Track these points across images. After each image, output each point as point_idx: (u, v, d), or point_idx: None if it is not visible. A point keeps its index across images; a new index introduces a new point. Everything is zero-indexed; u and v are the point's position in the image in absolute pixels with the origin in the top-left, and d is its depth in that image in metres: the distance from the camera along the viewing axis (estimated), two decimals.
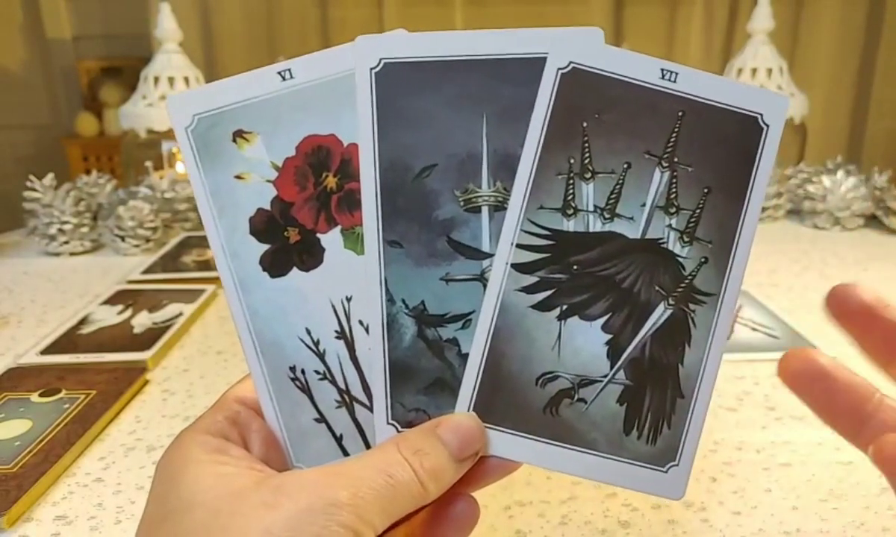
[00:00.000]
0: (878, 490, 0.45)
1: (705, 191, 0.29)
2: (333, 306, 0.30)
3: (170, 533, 0.24)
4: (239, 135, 0.29)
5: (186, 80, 1.17)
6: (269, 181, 0.30)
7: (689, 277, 0.29)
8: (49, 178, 0.99)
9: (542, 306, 0.29)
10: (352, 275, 0.30)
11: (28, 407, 0.55)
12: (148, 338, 0.67)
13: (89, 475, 0.48)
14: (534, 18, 2.07)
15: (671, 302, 0.29)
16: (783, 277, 0.85)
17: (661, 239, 0.29)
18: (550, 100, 0.28)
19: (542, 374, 0.29)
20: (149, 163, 1.14)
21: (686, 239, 0.29)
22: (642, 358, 0.29)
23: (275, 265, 0.30)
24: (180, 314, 0.73)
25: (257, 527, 0.23)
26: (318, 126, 0.29)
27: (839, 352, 0.64)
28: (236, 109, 0.29)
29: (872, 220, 1.06)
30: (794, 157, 1.29)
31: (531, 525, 0.43)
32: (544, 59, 0.28)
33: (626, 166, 0.29)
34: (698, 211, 0.29)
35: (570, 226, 0.29)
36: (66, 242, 0.96)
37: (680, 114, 0.28)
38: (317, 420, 0.30)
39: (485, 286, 0.29)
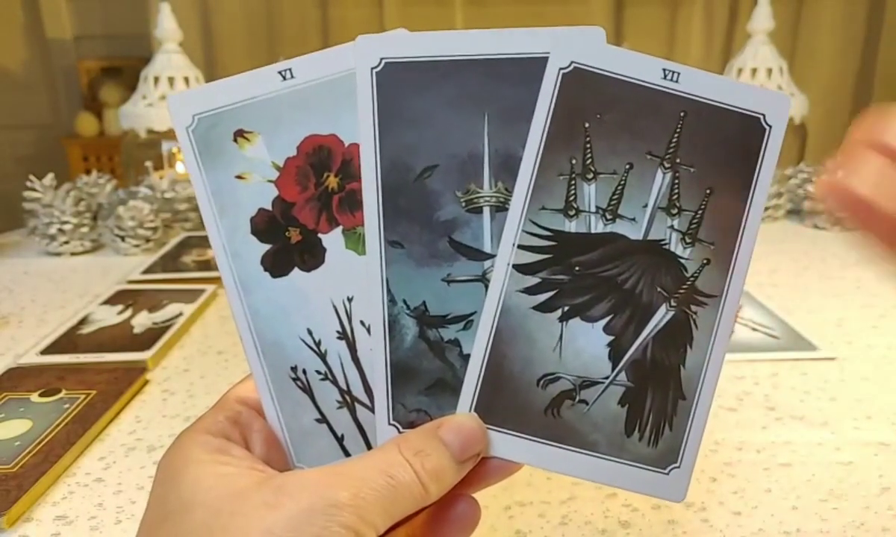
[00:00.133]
0: (878, 490, 0.45)
1: (707, 192, 0.29)
2: (335, 306, 0.30)
3: (171, 533, 0.24)
4: (240, 134, 0.29)
5: (186, 80, 1.17)
6: (270, 181, 0.30)
7: (692, 279, 0.29)
8: (49, 178, 0.99)
9: (543, 307, 0.29)
10: (353, 275, 0.30)
11: (28, 408, 0.55)
12: (148, 338, 0.67)
13: (89, 475, 0.48)
14: (534, 18, 2.08)
15: (673, 303, 0.29)
16: (783, 277, 0.85)
17: (664, 240, 0.29)
18: (552, 100, 0.28)
19: (543, 375, 0.29)
20: (149, 163, 1.14)
21: (688, 240, 0.29)
22: (644, 359, 0.29)
23: (276, 265, 0.30)
24: (180, 314, 0.73)
25: (258, 527, 0.23)
26: (319, 126, 0.29)
27: (839, 352, 0.64)
28: (237, 109, 0.29)
29: None
30: (794, 157, 1.29)
31: (531, 525, 0.43)
32: (546, 58, 0.28)
33: (628, 167, 0.29)
34: (700, 212, 0.29)
35: (571, 226, 0.29)
36: (66, 242, 0.96)
37: (682, 114, 0.28)
38: (318, 420, 0.30)
39: (486, 287, 0.29)
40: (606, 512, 0.43)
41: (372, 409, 0.30)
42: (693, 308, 0.29)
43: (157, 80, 1.16)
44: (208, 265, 0.90)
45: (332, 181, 0.30)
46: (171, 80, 1.16)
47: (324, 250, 0.30)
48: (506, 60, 0.28)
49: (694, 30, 2.10)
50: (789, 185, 1.12)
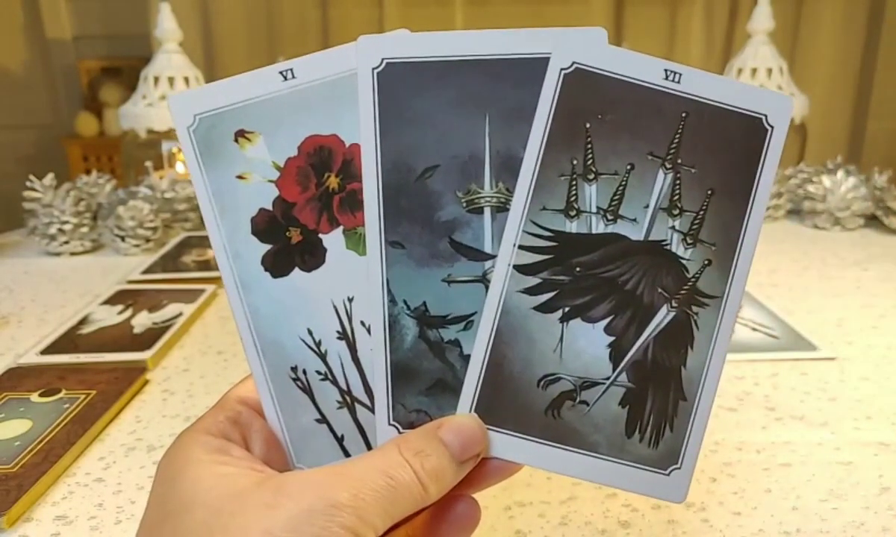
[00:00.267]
0: (878, 490, 0.45)
1: (709, 192, 0.29)
2: (335, 307, 0.30)
3: (170, 533, 0.24)
4: (241, 134, 0.29)
5: (186, 80, 1.17)
6: (270, 181, 0.30)
7: (693, 280, 0.29)
8: (49, 178, 0.99)
9: (544, 308, 0.29)
10: (354, 275, 0.30)
11: (28, 407, 0.55)
12: (148, 338, 0.67)
13: (89, 475, 0.48)
14: (534, 18, 2.08)
15: (674, 304, 0.29)
16: (783, 277, 0.85)
17: (665, 241, 0.29)
18: (553, 100, 0.28)
19: (543, 376, 0.29)
20: (149, 163, 1.14)
21: (689, 241, 0.29)
22: (645, 360, 0.29)
23: (276, 265, 0.30)
24: (180, 314, 0.73)
25: (258, 528, 0.23)
26: (320, 126, 0.29)
27: (839, 352, 0.64)
28: (238, 109, 0.29)
29: (872, 220, 1.06)
30: (794, 157, 1.29)
31: (531, 525, 0.43)
32: (547, 59, 0.28)
33: (629, 167, 0.28)
34: (702, 213, 0.29)
35: (572, 227, 0.29)
36: (66, 242, 0.96)
37: (683, 115, 0.28)
38: (318, 420, 0.30)
39: (487, 287, 0.29)
40: (606, 512, 0.43)
41: (372, 410, 0.30)
42: (694, 309, 0.29)
43: (157, 80, 1.16)
44: (208, 265, 0.90)
45: (333, 181, 0.30)
46: (171, 80, 1.16)
47: (324, 250, 0.30)
48: (507, 61, 0.28)
49: (694, 29, 2.10)
50: (789, 185, 1.12)
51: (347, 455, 0.30)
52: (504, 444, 0.29)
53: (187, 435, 0.28)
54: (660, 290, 0.29)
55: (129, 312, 0.74)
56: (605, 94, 0.28)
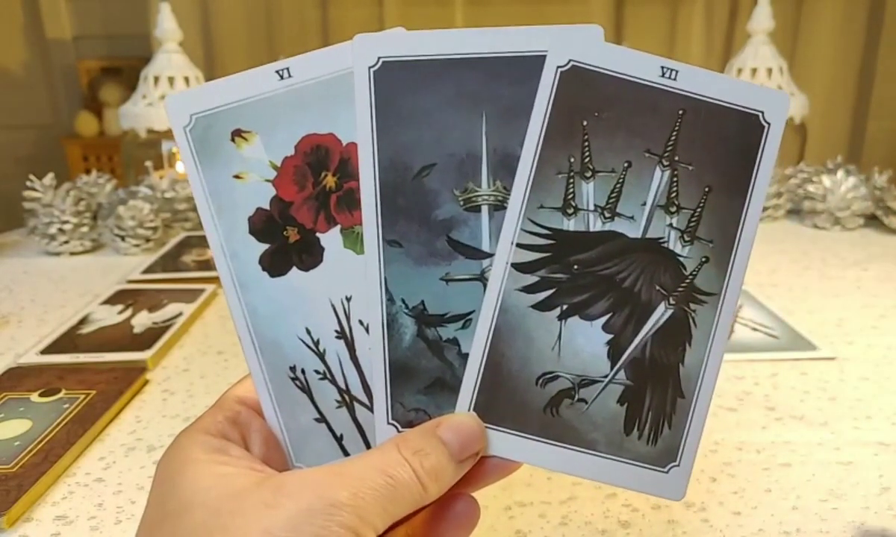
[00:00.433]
0: (878, 490, 0.45)
1: (706, 189, 0.29)
2: (333, 306, 0.30)
3: (170, 533, 0.24)
4: (237, 134, 0.29)
5: (186, 79, 1.17)
6: (267, 180, 0.30)
7: (690, 277, 0.29)
8: (49, 178, 0.99)
9: (542, 306, 0.29)
10: (351, 274, 0.30)
11: (28, 407, 0.55)
12: (148, 338, 0.67)
13: (89, 475, 0.48)
14: (534, 17, 2.08)
15: (672, 301, 0.29)
16: (783, 277, 0.85)
17: (662, 238, 0.29)
18: (550, 98, 0.28)
19: (542, 374, 0.29)
20: (149, 163, 1.14)
21: (687, 238, 0.29)
22: (643, 358, 0.29)
23: (274, 265, 0.30)
24: (180, 314, 0.73)
25: (257, 528, 0.23)
26: (316, 125, 0.29)
27: (839, 352, 0.64)
28: (234, 109, 0.29)
29: (872, 220, 1.06)
30: (794, 157, 1.29)
31: (531, 525, 0.42)
32: (544, 57, 0.28)
33: (626, 165, 0.28)
34: (699, 210, 0.29)
35: (570, 225, 0.29)
36: (66, 242, 0.96)
37: (680, 112, 0.28)
38: (317, 420, 0.30)
39: (485, 286, 0.29)
40: (606, 512, 0.43)
41: (371, 409, 0.30)
42: (692, 306, 0.29)
43: (157, 79, 1.16)
44: (208, 265, 0.90)
45: (330, 180, 0.29)
46: (171, 80, 1.16)
47: (322, 249, 0.30)
48: (504, 59, 0.28)
49: (694, 29, 2.10)
50: (789, 185, 1.12)
51: (346, 454, 0.30)
52: (503, 443, 0.29)
53: (186, 436, 0.28)
54: (657, 288, 0.29)
55: (129, 312, 0.74)
56: (602, 91, 0.28)
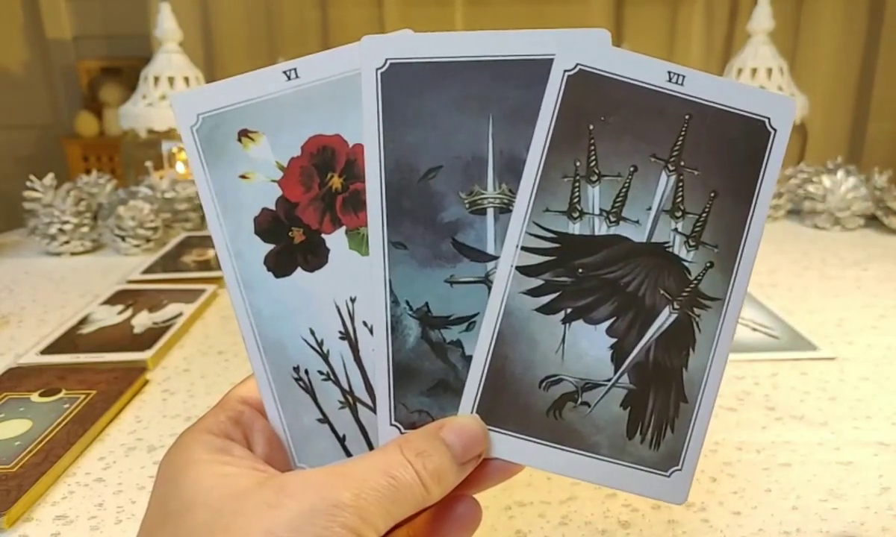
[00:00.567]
0: (878, 490, 0.45)
1: (712, 195, 0.29)
2: (337, 307, 0.30)
3: (172, 533, 0.24)
4: (244, 134, 0.29)
5: (186, 79, 1.17)
6: (273, 181, 0.30)
7: (695, 282, 0.29)
8: (49, 178, 0.99)
9: (546, 309, 0.29)
10: (356, 275, 0.30)
11: (28, 407, 0.55)
12: (148, 338, 0.67)
13: (89, 475, 0.48)
14: (534, 17, 2.07)
15: (676, 306, 0.29)
16: (783, 277, 0.85)
17: (667, 243, 0.29)
18: (556, 102, 0.28)
19: (545, 377, 0.29)
20: (149, 163, 1.14)
21: (692, 243, 0.29)
22: (646, 362, 0.29)
23: (279, 265, 0.30)
24: (180, 314, 0.73)
25: (259, 528, 0.23)
26: (323, 126, 0.29)
27: (839, 352, 0.64)
28: (241, 109, 0.29)
29: (872, 220, 1.06)
30: (795, 157, 1.29)
31: (531, 525, 0.43)
32: (551, 60, 0.28)
33: (632, 169, 0.29)
34: (704, 215, 0.29)
35: (575, 228, 0.29)
36: (67, 242, 0.96)
37: (687, 117, 0.28)
38: (320, 420, 0.30)
39: (489, 288, 0.29)
40: (606, 512, 0.43)
41: (374, 410, 0.30)
42: (696, 311, 0.29)
43: (157, 79, 1.16)
44: (208, 265, 0.90)
45: (336, 181, 0.30)
46: (171, 80, 1.16)
47: (327, 250, 0.30)
48: (511, 62, 0.28)
49: (694, 29, 2.10)
50: (789, 185, 1.12)
51: (349, 455, 0.30)
52: (505, 445, 0.29)
53: (188, 435, 0.28)
54: (662, 292, 0.29)
55: (129, 312, 0.74)
56: (609, 95, 0.28)
